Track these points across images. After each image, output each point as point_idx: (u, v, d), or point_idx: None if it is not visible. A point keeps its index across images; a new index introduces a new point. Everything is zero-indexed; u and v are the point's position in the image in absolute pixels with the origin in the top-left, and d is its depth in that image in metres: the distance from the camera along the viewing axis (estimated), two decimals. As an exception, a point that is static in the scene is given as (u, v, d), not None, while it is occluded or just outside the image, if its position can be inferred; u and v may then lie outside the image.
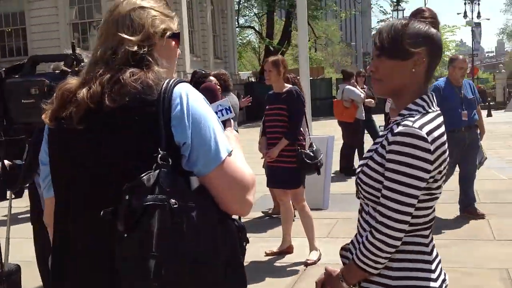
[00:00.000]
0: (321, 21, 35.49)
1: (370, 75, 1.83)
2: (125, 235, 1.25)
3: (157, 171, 1.29)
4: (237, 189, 1.45)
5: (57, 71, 2.29)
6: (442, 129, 1.68)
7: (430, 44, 1.71)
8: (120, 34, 1.46)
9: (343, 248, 1.88)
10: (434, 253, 1.75)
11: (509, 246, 5.14)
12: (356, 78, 9.87)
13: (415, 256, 1.69)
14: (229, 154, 1.44)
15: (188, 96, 1.41)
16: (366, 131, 10.14)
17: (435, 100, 1.76)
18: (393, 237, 1.61)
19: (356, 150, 9.79)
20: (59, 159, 1.50)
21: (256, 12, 36.16)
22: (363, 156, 1.82)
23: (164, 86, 1.40)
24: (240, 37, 37.22)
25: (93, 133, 1.42)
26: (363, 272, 1.69)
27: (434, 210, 1.74)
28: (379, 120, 10.83)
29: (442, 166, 1.67)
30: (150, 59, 1.47)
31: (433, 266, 1.72)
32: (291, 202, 5.06)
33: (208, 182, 1.40)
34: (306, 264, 4.86)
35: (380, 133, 1.84)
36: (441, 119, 1.70)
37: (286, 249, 5.19)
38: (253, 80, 32.18)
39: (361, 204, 1.84)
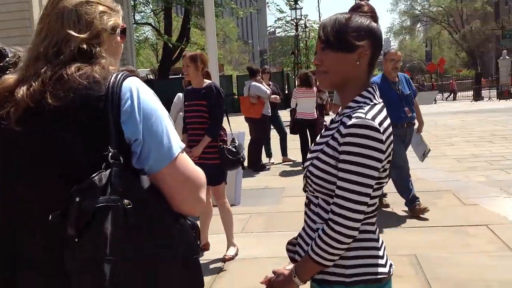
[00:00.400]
0: (219, 18, 35.58)
1: (315, 68, 1.84)
2: (76, 239, 1.17)
3: (108, 170, 1.22)
4: (190, 187, 1.40)
5: None
6: (389, 120, 1.72)
7: (373, 37, 1.75)
8: (66, 30, 1.37)
9: (289, 243, 1.87)
10: (380, 240, 1.80)
11: (416, 233, 5.44)
12: (261, 74, 9.99)
13: (366, 244, 1.72)
14: (182, 151, 1.39)
15: (138, 91, 1.34)
16: (272, 127, 10.33)
17: (378, 92, 1.81)
18: (352, 228, 1.63)
19: (263, 145, 9.95)
20: None
21: (153, 9, 35.51)
22: (311, 150, 1.82)
23: (112, 80, 1.32)
24: (137, 34, 36.33)
25: (33, 135, 1.31)
26: (319, 266, 1.68)
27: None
28: (284, 116, 11.06)
29: (390, 156, 1.72)
30: (98, 56, 1.37)
31: (381, 252, 1.76)
32: (210, 199, 5.02)
33: (160, 179, 1.34)
34: (224, 260, 4.84)
35: (327, 125, 1.85)
36: (385, 110, 1.75)
37: (202, 246, 5.14)
38: (152, 78, 31.60)
39: (307, 197, 1.84)
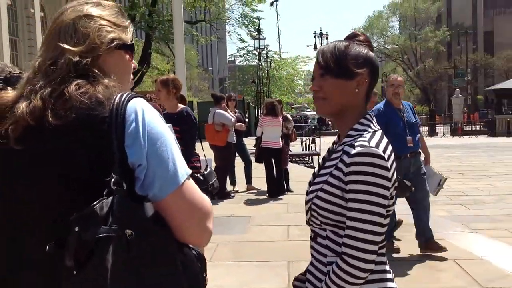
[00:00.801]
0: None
1: (313, 94, 1.82)
2: (75, 272, 1.09)
3: (110, 197, 1.14)
4: (197, 216, 1.31)
5: None
6: (391, 146, 1.70)
7: (371, 66, 1.75)
8: (61, 44, 1.31)
9: (297, 279, 1.81)
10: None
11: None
12: (227, 102, 9.95)
13: (380, 276, 1.68)
14: (188, 178, 1.30)
15: (144, 113, 1.26)
16: (237, 154, 10.25)
17: (375, 119, 1.79)
18: (369, 261, 1.57)
19: (228, 173, 9.84)
20: None
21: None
22: (313, 181, 1.77)
23: (116, 101, 1.24)
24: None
25: (33, 155, 1.22)
26: None
27: None
28: (249, 143, 11.02)
29: (396, 183, 1.69)
30: (96, 71, 1.29)
31: (387, 266, 1.74)
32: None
33: (164, 207, 1.25)
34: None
35: (325, 155, 1.81)
36: (385, 137, 1.73)
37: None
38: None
39: (313, 231, 1.78)
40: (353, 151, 1.60)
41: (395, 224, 6.12)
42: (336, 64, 1.71)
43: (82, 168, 1.19)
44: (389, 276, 1.72)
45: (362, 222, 1.56)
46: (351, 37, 1.80)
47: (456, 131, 32.20)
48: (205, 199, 1.34)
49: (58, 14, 1.39)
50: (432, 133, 33.80)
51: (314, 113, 42.02)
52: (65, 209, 1.16)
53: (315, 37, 42.69)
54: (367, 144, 1.61)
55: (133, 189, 1.21)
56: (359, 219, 1.56)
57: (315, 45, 42.36)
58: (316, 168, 1.88)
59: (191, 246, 1.31)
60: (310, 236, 1.81)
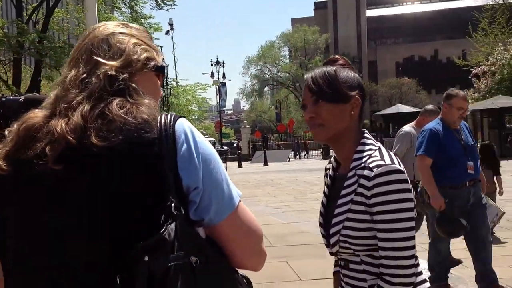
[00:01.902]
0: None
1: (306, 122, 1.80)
2: None
3: (173, 223, 1.06)
4: (253, 239, 1.25)
5: None
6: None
7: (361, 87, 1.78)
8: (95, 57, 1.23)
9: None
10: None
11: (313, 285, 5.46)
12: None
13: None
14: (240, 199, 1.23)
15: (193, 133, 1.18)
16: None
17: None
18: (410, 275, 1.59)
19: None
20: (17, 214, 1.16)
21: (3, 59, 33.27)
22: (334, 213, 1.71)
23: (163, 121, 1.15)
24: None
25: (78, 177, 1.09)
26: None
27: None
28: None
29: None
30: (134, 87, 1.20)
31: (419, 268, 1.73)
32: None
33: (220, 231, 1.18)
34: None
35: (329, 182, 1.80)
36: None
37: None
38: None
39: (342, 259, 1.76)
40: (372, 173, 1.60)
41: (452, 262, 5.43)
42: (330, 89, 1.70)
43: (136, 194, 1.09)
44: (424, 276, 1.72)
45: (398, 241, 1.57)
46: (332, 62, 1.81)
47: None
48: (256, 221, 1.27)
49: (88, 32, 1.32)
50: (326, 156, 35.09)
51: (213, 139, 42.22)
52: (117, 238, 1.08)
53: (211, 65, 43.14)
54: (383, 163, 1.61)
55: (188, 214, 1.14)
56: (394, 239, 1.57)
57: (212, 73, 42.76)
58: (324, 198, 1.85)
59: (238, 270, 1.24)
60: (339, 264, 1.79)
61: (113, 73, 1.20)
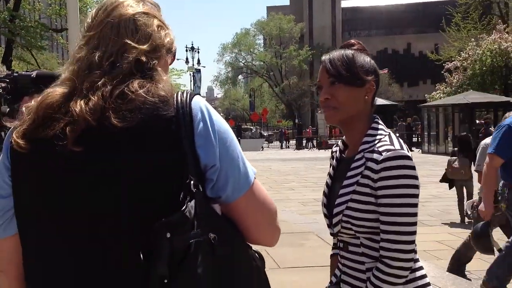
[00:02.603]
0: (45, 53, 33.69)
1: (320, 103, 1.80)
2: (166, 280, 1.04)
3: (193, 201, 1.09)
4: (268, 215, 1.27)
5: None
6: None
7: (376, 73, 1.79)
8: (123, 39, 1.22)
9: None
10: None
11: (293, 273, 5.52)
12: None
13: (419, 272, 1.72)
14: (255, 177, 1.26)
15: (209, 111, 1.19)
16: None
17: None
18: (410, 259, 1.60)
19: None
20: (38, 190, 1.17)
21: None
22: (339, 193, 1.74)
23: (179, 99, 1.18)
24: None
25: (97, 157, 1.10)
26: None
27: None
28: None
29: None
30: (155, 72, 1.21)
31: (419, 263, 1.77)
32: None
33: (236, 208, 1.21)
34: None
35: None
36: None
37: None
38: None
39: (341, 241, 1.78)
40: (380, 157, 1.61)
41: None
42: (348, 72, 1.71)
43: (155, 172, 1.11)
44: (423, 271, 1.75)
45: (400, 225, 1.59)
46: (348, 46, 1.81)
47: (321, 145, 33.99)
48: (270, 197, 1.30)
49: (111, 7, 1.26)
50: (300, 146, 35.36)
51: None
52: (138, 215, 1.11)
53: (186, 51, 42.75)
54: (392, 147, 1.62)
55: (205, 192, 1.16)
56: (397, 222, 1.59)
57: (187, 58, 42.39)
58: (329, 179, 1.86)
59: (251, 246, 1.27)
60: (338, 246, 1.81)
61: (144, 58, 1.21)
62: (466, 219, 8.25)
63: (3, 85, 1.67)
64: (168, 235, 1.04)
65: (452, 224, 8.52)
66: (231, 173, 1.18)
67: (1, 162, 1.23)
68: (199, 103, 1.19)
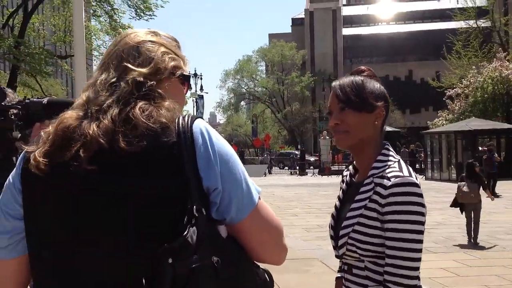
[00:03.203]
0: (50, 79, 33.97)
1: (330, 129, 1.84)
2: None
3: (195, 226, 1.10)
4: (275, 234, 1.28)
5: None
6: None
7: (386, 99, 1.83)
8: (124, 63, 1.29)
9: None
10: None
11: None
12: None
13: None
14: (259, 197, 1.27)
15: (209, 134, 1.22)
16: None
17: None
18: (412, 286, 1.61)
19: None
20: (55, 212, 1.20)
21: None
22: (345, 216, 1.76)
23: (180, 123, 1.21)
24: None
25: (108, 178, 1.15)
26: None
27: None
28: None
29: None
30: (157, 94, 1.25)
31: None
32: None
33: (241, 229, 1.22)
34: None
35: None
36: None
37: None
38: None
39: (346, 264, 1.79)
40: (389, 183, 1.64)
41: None
42: (357, 98, 1.75)
43: (159, 196, 1.14)
44: None
45: (405, 251, 1.60)
46: (358, 72, 1.86)
47: (324, 171, 33.91)
48: (277, 217, 1.31)
49: (119, 38, 1.37)
50: (302, 172, 35.28)
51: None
52: (142, 239, 1.13)
53: (189, 77, 42.99)
54: (401, 174, 1.65)
55: (210, 214, 1.17)
56: (402, 248, 1.60)
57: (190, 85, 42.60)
58: (338, 202, 1.88)
59: (259, 265, 1.27)
60: (342, 269, 1.82)
61: (141, 79, 1.25)
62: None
63: (15, 111, 1.71)
64: (170, 260, 1.06)
65: (457, 251, 8.47)
66: (234, 194, 1.20)
67: (12, 185, 1.26)
68: (199, 126, 1.22)
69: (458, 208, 9.29)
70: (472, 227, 8.95)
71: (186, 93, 1.42)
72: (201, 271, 1.07)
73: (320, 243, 8.75)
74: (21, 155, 1.28)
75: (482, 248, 8.59)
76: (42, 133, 1.26)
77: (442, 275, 6.81)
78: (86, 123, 1.20)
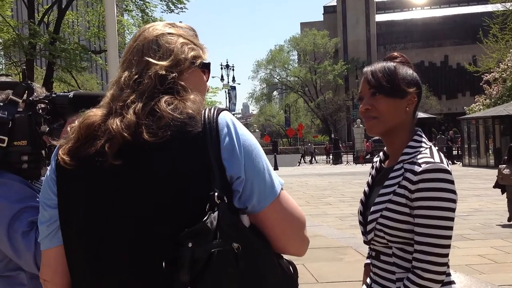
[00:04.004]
0: (85, 74, 34.61)
1: (361, 114, 1.82)
2: (188, 287, 1.10)
3: (216, 212, 1.14)
4: (296, 225, 1.29)
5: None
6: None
7: (418, 85, 1.81)
8: (145, 58, 1.32)
9: None
10: None
11: (332, 287, 5.46)
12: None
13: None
14: (282, 187, 1.29)
15: (235, 125, 1.25)
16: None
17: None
18: (442, 272, 1.60)
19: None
20: (82, 204, 1.26)
21: (14, 60, 33.59)
22: (374, 202, 1.76)
23: (206, 115, 1.24)
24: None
25: (133, 171, 1.19)
26: None
27: None
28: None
29: None
30: (183, 85, 1.28)
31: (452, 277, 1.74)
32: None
33: (263, 219, 1.24)
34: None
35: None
36: None
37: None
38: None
39: (374, 250, 1.79)
40: (419, 169, 1.62)
41: None
42: (389, 83, 1.73)
43: (184, 185, 1.18)
44: (451, 278, 1.74)
45: (435, 237, 1.59)
46: (391, 59, 1.84)
47: (358, 159, 33.68)
48: (299, 208, 1.32)
49: (138, 33, 1.40)
50: (336, 161, 35.09)
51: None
52: (166, 225, 1.17)
53: (221, 68, 43.23)
54: (432, 160, 1.63)
55: (232, 203, 1.20)
56: (432, 235, 1.59)
57: (222, 76, 42.89)
58: (367, 188, 1.88)
59: (283, 256, 1.29)
60: (372, 255, 1.81)
61: (163, 72, 1.28)
62: None
63: (42, 106, 1.76)
64: (190, 244, 1.10)
65: (495, 238, 8.31)
66: (256, 184, 1.22)
67: (48, 176, 1.32)
68: (225, 118, 1.24)
69: (498, 191, 9.63)
70: None
71: (207, 81, 1.45)
72: (221, 256, 1.10)
73: (354, 232, 8.68)
74: (56, 148, 1.34)
75: (521, 234, 8.42)
76: (68, 128, 1.32)
77: (480, 262, 6.69)
78: (110, 120, 1.24)
